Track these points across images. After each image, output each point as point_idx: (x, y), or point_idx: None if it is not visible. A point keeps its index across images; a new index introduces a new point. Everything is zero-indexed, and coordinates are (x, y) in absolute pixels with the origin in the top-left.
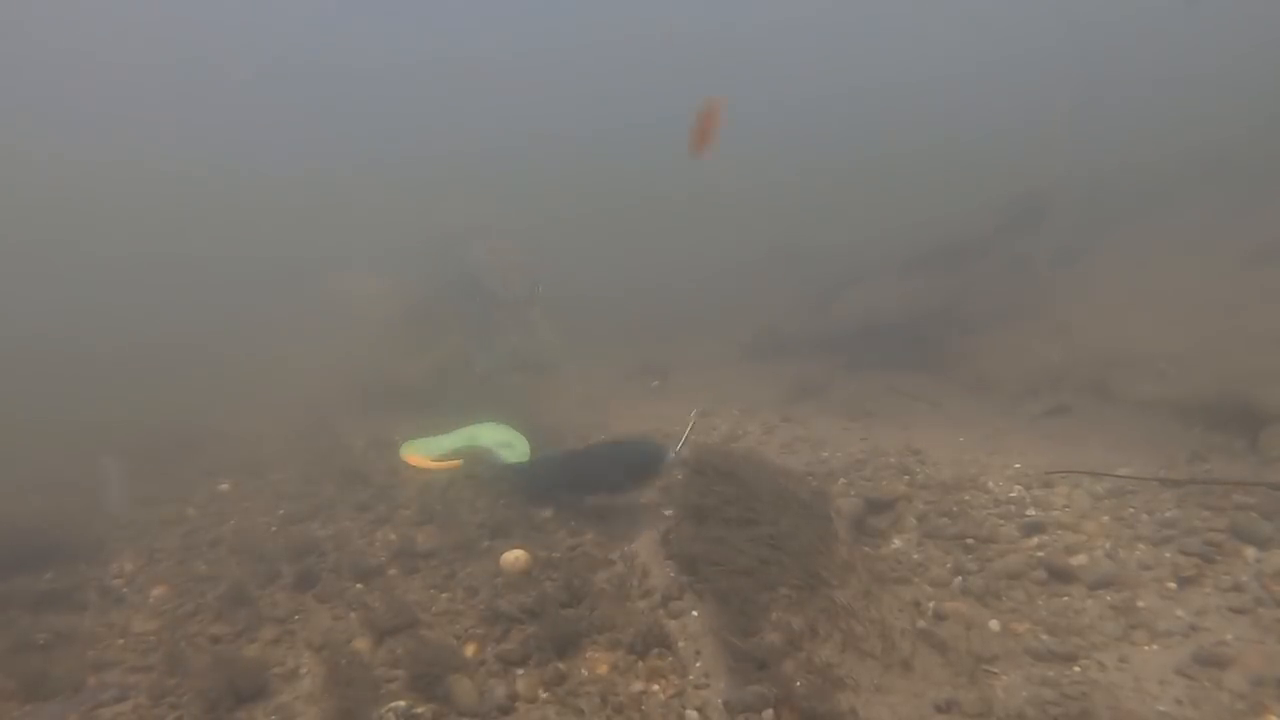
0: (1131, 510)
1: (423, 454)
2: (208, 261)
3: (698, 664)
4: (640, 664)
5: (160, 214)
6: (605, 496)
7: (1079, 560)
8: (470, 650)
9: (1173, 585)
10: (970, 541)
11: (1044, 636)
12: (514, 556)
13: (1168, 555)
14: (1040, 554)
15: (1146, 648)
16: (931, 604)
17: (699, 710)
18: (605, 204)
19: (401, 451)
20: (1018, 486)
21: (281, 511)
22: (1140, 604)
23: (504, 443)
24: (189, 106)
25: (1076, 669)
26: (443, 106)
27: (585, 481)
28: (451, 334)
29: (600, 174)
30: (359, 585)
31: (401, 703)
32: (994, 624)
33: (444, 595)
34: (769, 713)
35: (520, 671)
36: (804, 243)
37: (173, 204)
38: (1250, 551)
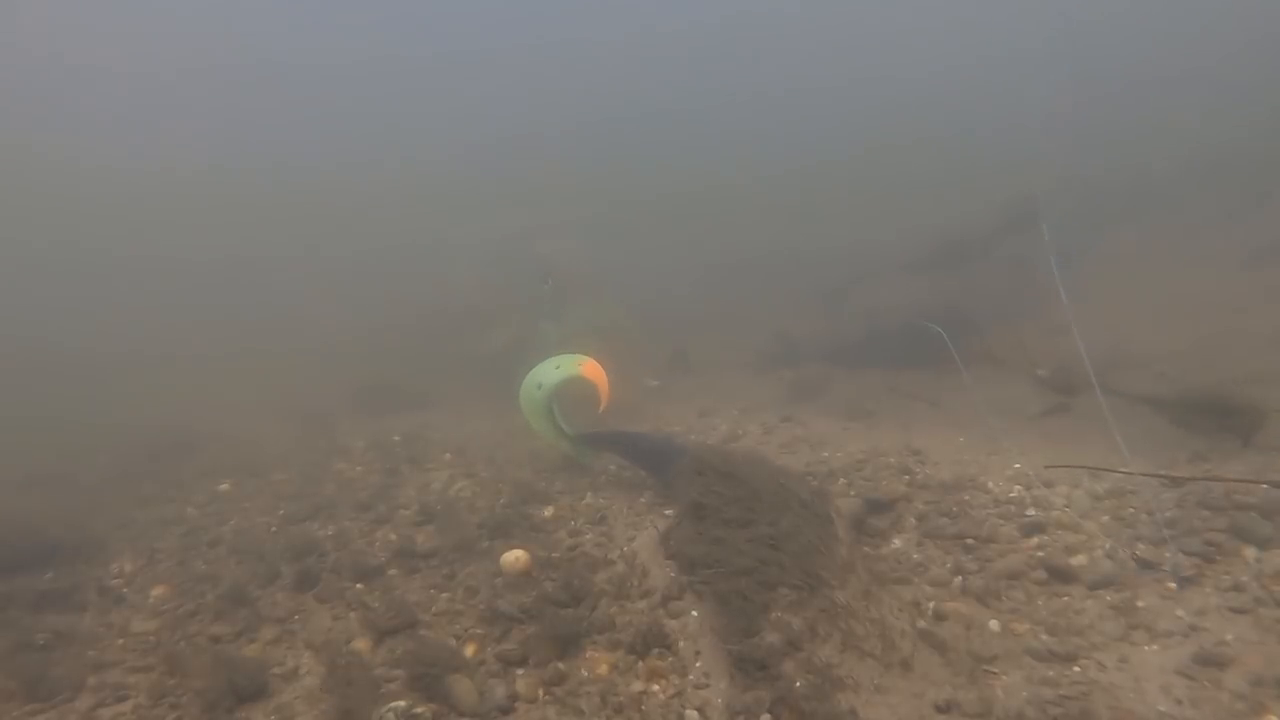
0: (1131, 510)
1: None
2: (255, 261)
3: (698, 664)
4: (640, 664)
5: (169, 214)
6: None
7: (1079, 560)
8: (470, 650)
9: (1173, 585)
10: (970, 541)
11: (1044, 636)
12: (514, 556)
13: (1168, 555)
14: (1040, 554)
15: (1146, 648)
16: (931, 604)
17: (699, 710)
18: (604, 206)
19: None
20: (1018, 486)
21: (281, 511)
22: (1140, 604)
23: (559, 364)
24: (210, 108)
25: (1076, 669)
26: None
27: (637, 458)
28: (522, 312)
29: (598, 175)
30: (359, 585)
31: (401, 703)
32: (994, 624)
33: (444, 595)
34: (766, 717)
35: (520, 671)
36: (804, 243)
37: (190, 205)
38: (1250, 551)
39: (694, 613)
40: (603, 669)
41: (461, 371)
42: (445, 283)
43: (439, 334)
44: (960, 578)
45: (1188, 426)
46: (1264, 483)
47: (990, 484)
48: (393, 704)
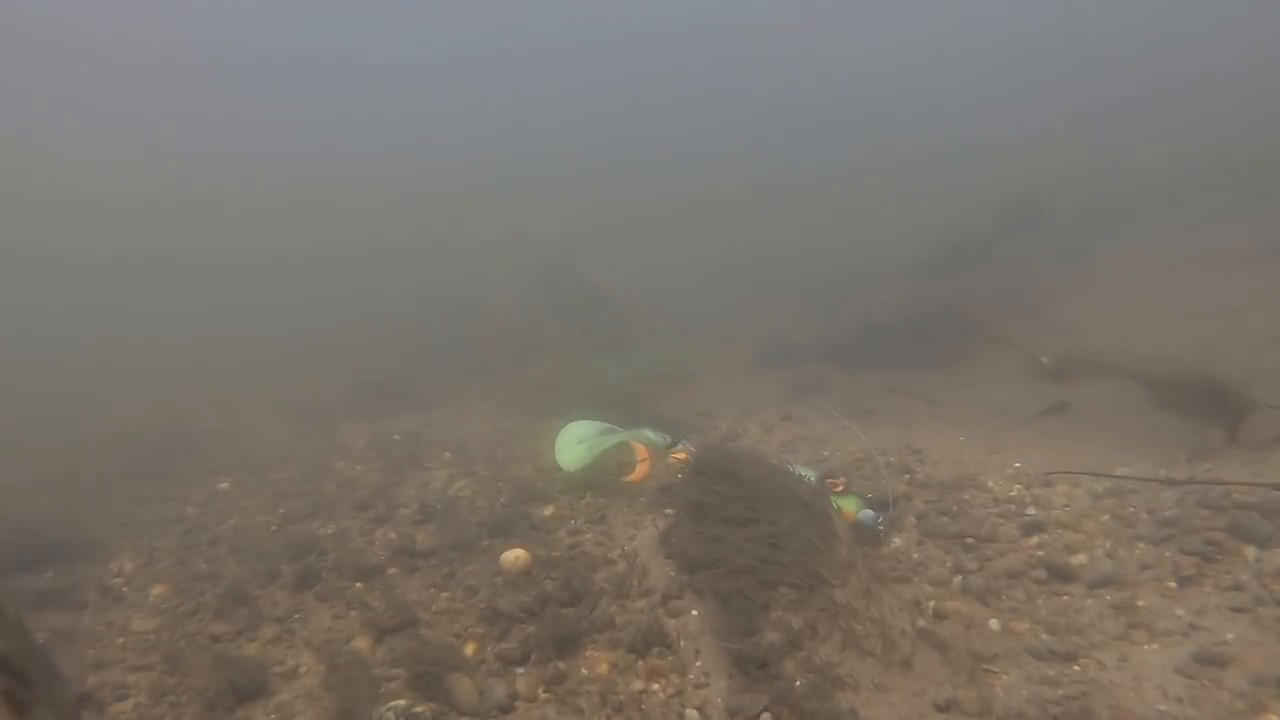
0: (1131, 509)
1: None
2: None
3: (697, 663)
4: (640, 663)
5: (172, 209)
6: None
7: (1079, 559)
8: (470, 649)
9: (1173, 584)
10: (970, 540)
11: (1044, 636)
12: (514, 555)
13: (1168, 554)
14: (1040, 553)
15: (1146, 647)
16: (931, 603)
17: (699, 709)
18: (599, 205)
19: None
20: (1018, 485)
21: (281, 510)
22: (1140, 603)
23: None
24: (221, 102)
25: (1076, 668)
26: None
27: None
28: (564, 344)
29: (591, 175)
30: (359, 584)
31: (401, 702)
32: (994, 623)
33: (444, 594)
34: (766, 716)
35: (520, 670)
36: (804, 243)
37: (193, 200)
38: (1250, 550)
39: (694, 612)
40: (603, 668)
41: (463, 372)
42: (480, 295)
43: (471, 346)
44: (960, 577)
45: (1177, 409)
46: (1264, 484)
47: (990, 483)
48: (393, 703)
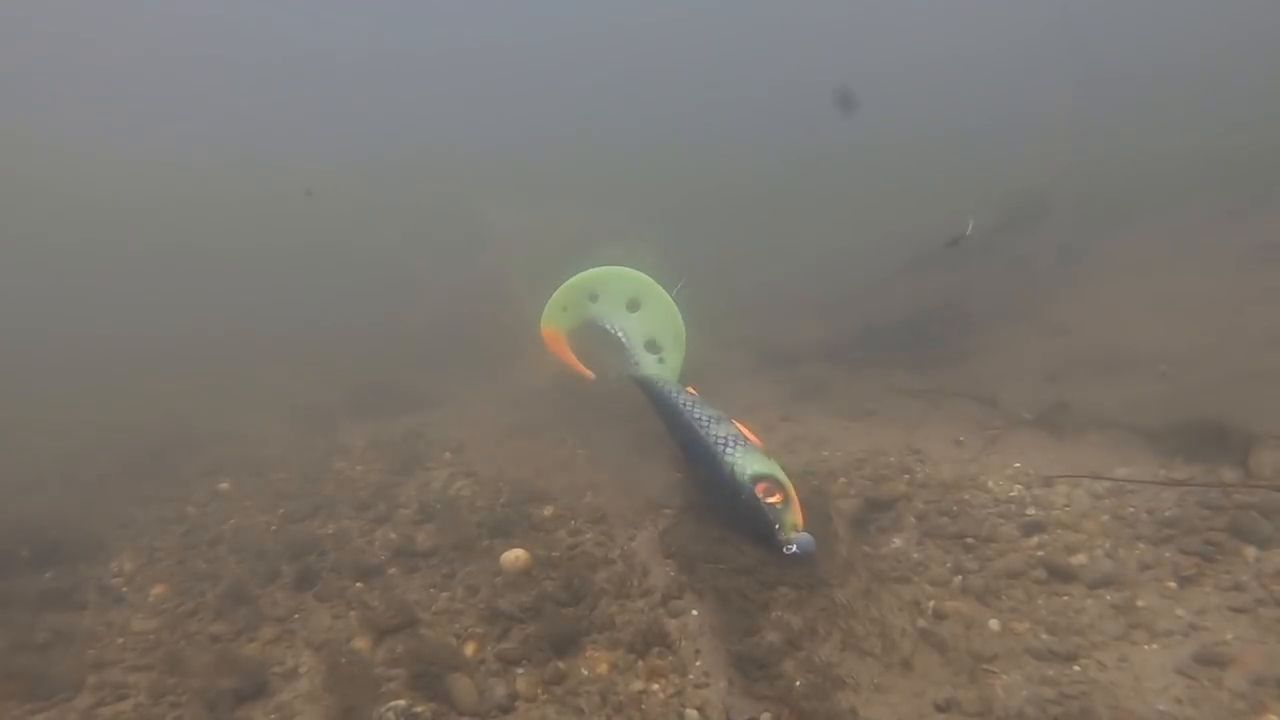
0: (1131, 509)
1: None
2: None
3: (697, 663)
4: (640, 663)
5: (173, 206)
6: None
7: (1079, 559)
8: (470, 649)
9: (1173, 584)
10: (970, 541)
11: (1044, 636)
12: (514, 555)
13: (1168, 554)
14: (1040, 553)
15: (1146, 647)
16: (931, 603)
17: (699, 709)
18: (600, 201)
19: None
20: (1017, 485)
21: (281, 510)
22: (1140, 603)
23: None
24: (220, 99)
25: (1076, 668)
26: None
27: None
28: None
29: (590, 172)
30: (359, 584)
31: (401, 701)
32: (994, 623)
33: (444, 594)
34: (766, 716)
35: (520, 670)
36: (802, 242)
37: (194, 197)
38: (1250, 551)
39: (694, 612)
40: (603, 668)
41: (464, 370)
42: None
43: (473, 342)
44: (960, 577)
45: (1184, 455)
46: (1263, 485)
47: (990, 483)
48: (393, 703)
